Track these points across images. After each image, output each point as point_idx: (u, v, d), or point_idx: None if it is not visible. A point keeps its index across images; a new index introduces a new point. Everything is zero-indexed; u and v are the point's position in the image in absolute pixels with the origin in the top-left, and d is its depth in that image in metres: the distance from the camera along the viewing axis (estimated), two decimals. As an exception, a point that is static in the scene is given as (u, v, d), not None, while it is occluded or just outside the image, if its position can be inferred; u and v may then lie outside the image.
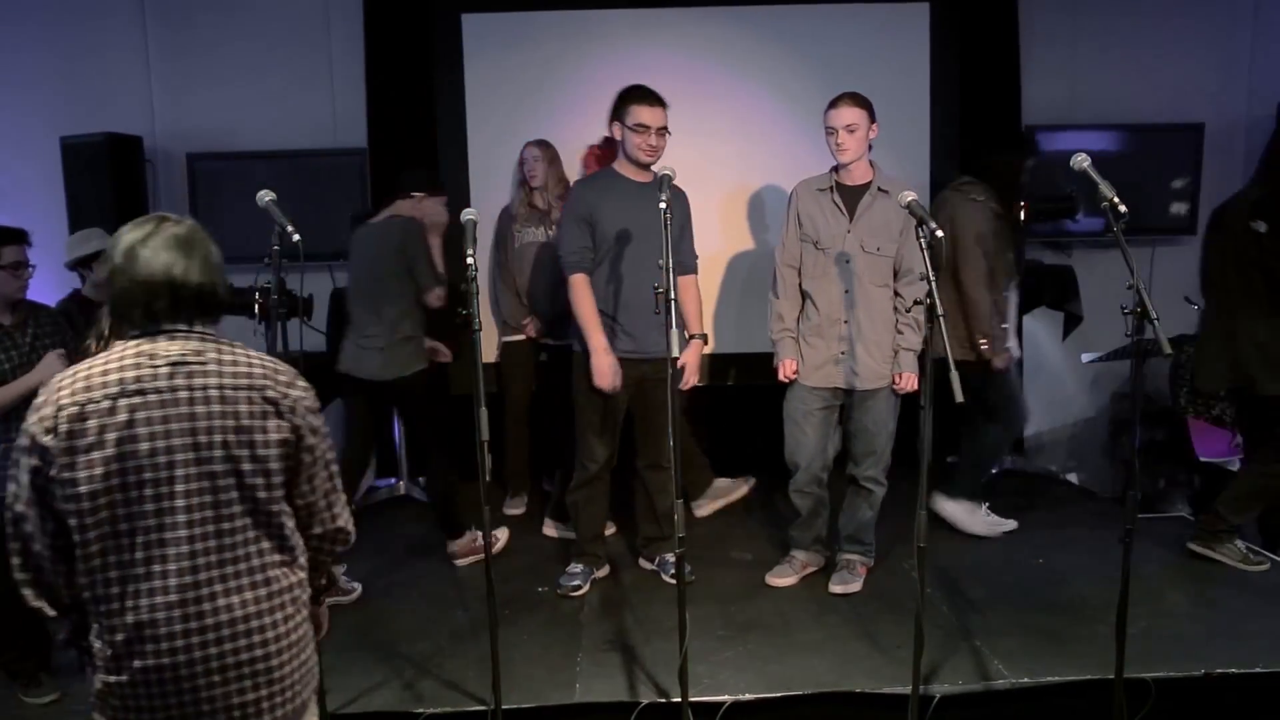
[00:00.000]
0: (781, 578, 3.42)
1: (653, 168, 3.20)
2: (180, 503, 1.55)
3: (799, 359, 3.29)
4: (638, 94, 3.17)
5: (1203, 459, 4.37)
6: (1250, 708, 2.71)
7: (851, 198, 3.21)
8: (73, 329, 3.20)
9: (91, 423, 1.51)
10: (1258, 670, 2.69)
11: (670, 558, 3.46)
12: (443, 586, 3.55)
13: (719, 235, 4.63)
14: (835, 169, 3.25)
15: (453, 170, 4.82)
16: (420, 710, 2.63)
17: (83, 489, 1.51)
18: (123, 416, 1.52)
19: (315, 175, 4.74)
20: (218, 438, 1.57)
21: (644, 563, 3.67)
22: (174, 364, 1.57)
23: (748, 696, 2.65)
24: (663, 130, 3.18)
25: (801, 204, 3.28)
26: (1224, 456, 4.38)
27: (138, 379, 1.54)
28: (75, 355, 3.04)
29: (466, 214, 2.51)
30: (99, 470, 1.51)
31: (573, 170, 4.44)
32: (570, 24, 4.74)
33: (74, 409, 1.51)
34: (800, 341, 3.29)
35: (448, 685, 2.76)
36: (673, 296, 2.44)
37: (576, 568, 3.48)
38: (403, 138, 4.84)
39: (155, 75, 4.87)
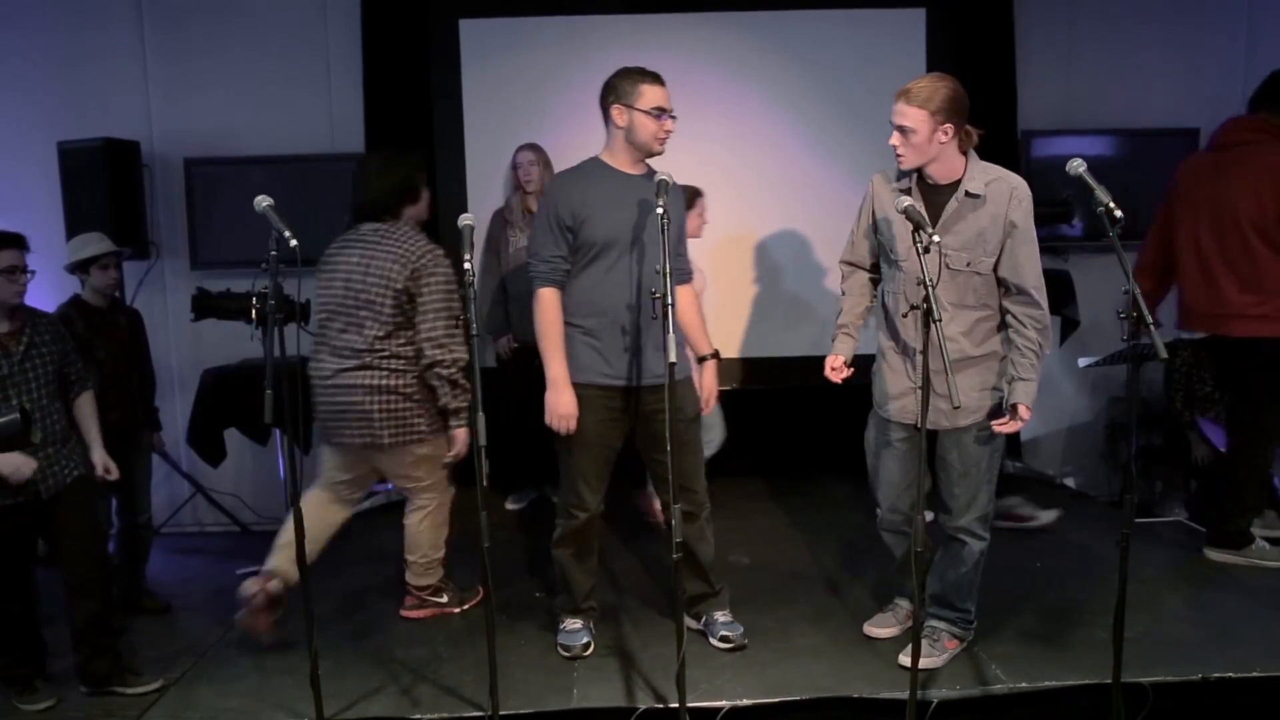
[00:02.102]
0: (883, 627, 3.02)
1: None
2: (350, 303, 3.04)
3: (880, 384, 2.81)
4: (645, 74, 2.74)
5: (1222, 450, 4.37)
6: (1247, 712, 2.71)
7: (936, 200, 2.61)
8: (72, 333, 3.19)
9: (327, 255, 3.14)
10: (1255, 674, 2.70)
11: (719, 616, 3.05)
12: (440, 592, 3.54)
13: (717, 241, 4.63)
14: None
15: (450, 176, 4.83)
16: (418, 716, 2.63)
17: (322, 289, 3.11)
18: (336, 256, 3.12)
19: (312, 180, 4.73)
20: (376, 275, 3.00)
21: (690, 622, 3.06)
22: (359, 235, 3.10)
23: (746, 702, 2.64)
24: (673, 114, 2.78)
25: (878, 201, 2.73)
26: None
27: (344, 239, 3.13)
28: (74, 359, 3.04)
29: (464, 219, 2.49)
30: (323, 280, 3.12)
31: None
32: (567, 29, 4.75)
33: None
34: (880, 361, 2.82)
35: (445, 691, 2.76)
36: (670, 302, 2.35)
37: (576, 623, 3.03)
38: (400, 143, 4.83)
39: (153, 80, 4.87)
